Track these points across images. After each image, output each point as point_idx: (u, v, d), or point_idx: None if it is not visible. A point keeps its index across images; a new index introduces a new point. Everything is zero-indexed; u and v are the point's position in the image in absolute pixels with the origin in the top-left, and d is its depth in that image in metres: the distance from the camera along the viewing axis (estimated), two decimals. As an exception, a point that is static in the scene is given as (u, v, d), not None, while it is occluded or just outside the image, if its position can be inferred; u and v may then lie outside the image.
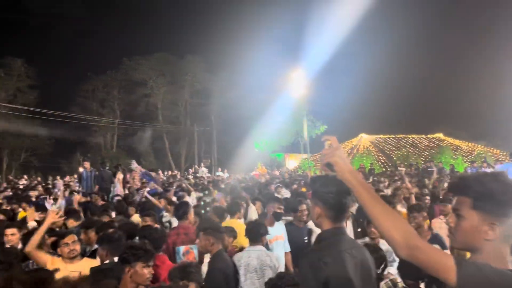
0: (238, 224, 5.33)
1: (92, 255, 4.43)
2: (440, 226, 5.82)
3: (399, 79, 44.27)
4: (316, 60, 28.67)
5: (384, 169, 27.20)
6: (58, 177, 21.12)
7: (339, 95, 34.05)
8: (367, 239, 4.85)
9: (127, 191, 11.09)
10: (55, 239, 4.25)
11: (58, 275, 2.15)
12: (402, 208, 6.71)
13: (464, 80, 42.15)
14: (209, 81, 42.24)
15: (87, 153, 35.04)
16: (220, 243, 3.80)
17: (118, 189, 11.07)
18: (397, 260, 4.70)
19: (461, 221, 1.54)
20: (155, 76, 42.32)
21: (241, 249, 4.47)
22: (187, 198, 8.61)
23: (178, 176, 22.28)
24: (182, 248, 4.97)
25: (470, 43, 45.86)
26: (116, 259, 3.50)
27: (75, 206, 7.61)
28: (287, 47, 36.41)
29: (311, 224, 5.18)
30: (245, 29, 35.92)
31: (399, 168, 17.66)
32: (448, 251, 4.08)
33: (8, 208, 8.44)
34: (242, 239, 4.73)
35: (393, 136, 38.64)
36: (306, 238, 5.15)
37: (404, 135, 38.71)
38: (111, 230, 4.22)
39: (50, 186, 15.42)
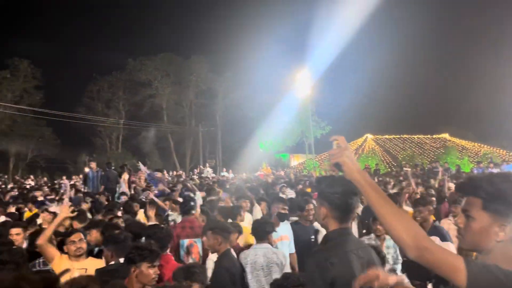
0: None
1: (98, 255, 4.45)
2: (448, 227, 5.80)
3: (404, 79, 44.15)
4: (321, 61, 28.62)
5: (389, 169, 27.10)
6: (64, 177, 21.25)
7: (344, 95, 34.06)
8: (372, 236, 4.84)
9: (132, 191, 11.13)
10: (61, 239, 4.27)
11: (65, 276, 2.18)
12: (406, 207, 6.69)
13: (470, 80, 41.96)
14: (214, 81, 42.32)
15: (93, 153, 35.28)
16: (228, 243, 3.80)
17: (124, 189, 11.12)
18: (401, 259, 4.70)
19: (470, 222, 1.52)
20: (160, 77, 42.44)
21: (247, 246, 4.48)
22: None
23: (183, 176, 22.33)
24: (186, 241, 4.98)
25: (476, 43, 45.66)
26: (122, 260, 3.51)
27: (83, 206, 7.65)
28: (292, 47, 36.41)
29: (317, 224, 5.17)
30: (250, 29, 35.97)
31: (404, 169, 17.61)
32: (448, 243, 4.08)
33: (14, 208, 8.48)
34: (245, 240, 4.74)
35: (399, 136, 38.50)
36: (312, 237, 5.13)
37: (409, 135, 38.56)
38: (117, 231, 4.23)
39: (56, 186, 15.51)
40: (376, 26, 33.93)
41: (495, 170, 15.35)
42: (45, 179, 24.40)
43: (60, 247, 4.21)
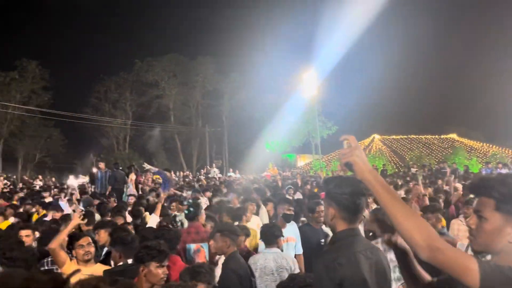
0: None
1: (107, 257, 4.46)
2: (458, 228, 5.75)
3: (412, 78, 43.91)
4: (328, 60, 28.53)
5: (396, 170, 26.97)
6: (70, 177, 21.33)
7: (351, 95, 33.89)
8: (379, 241, 4.79)
9: (140, 192, 11.19)
10: (70, 243, 4.29)
11: (74, 278, 2.18)
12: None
13: (479, 80, 41.63)
14: (220, 82, 42.37)
15: (100, 153, 35.48)
16: (236, 245, 3.80)
17: (131, 190, 11.19)
18: None
19: (483, 223, 1.51)
20: (167, 77, 42.56)
21: (254, 249, 4.47)
22: (201, 199, 8.64)
23: (190, 177, 22.41)
24: (193, 246, 4.99)
25: (485, 42, 45.25)
26: (130, 261, 3.52)
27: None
28: (298, 48, 36.29)
29: (327, 228, 5.13)
30: (256, 30, 36.01)
31: (412, 169, 17.52)
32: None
33: (22, 208, 8.54)
34: (251, 242, 4.73)
35: (406, 136, 38.31)
36: (322, 240, 5.10)
37: (417, 136, 38.35)
38: (124, 232, 4.25)
39: (65, 186, 15.61)
40: (383, 25, 33.75)
41: (503, 171, 15.21)
42: (53, 179, 24.57)
43: (68, 250, 4.24)
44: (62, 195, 11.56)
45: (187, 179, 19.39)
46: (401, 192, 8.81)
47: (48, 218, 7.17)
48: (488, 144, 33.39)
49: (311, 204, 5.51)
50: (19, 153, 37.13)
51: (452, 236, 5.50)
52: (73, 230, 4.34)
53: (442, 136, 38.11)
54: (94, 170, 13.32)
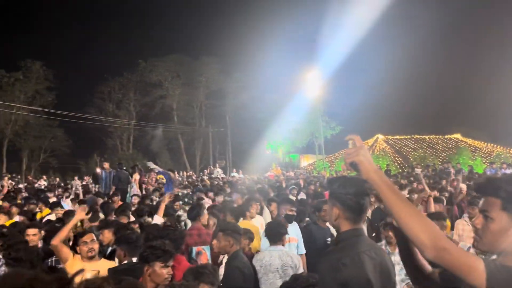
0: (250, 225, 5.32)
1: (111, 255, 4.48)
2: (463, 228, 5.72)
3: (415, 79, 43.73)
4: (331, 61, 28.50)
5: (400, 170, 26.89)
6: (75, 177, 21.44)
7: (354, 95, 33.81)
8: (383, 243, 4.77)
9: (144, 192, 11.21)
10: (74, 240, 4.31)
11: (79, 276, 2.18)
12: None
13: (483, 80, 41.38)
14: (223, 82, 42.42)
15: (104, 154, 35.61)
16: (239, 244, 3.80)
17: (135, 190, 11.21)
18: None
19: (489, 223, 1.50)
20: (170, 78, 42.68)
21: (256, 252, 4.47)
22: (205, 199, 8.64)
23: (194, 177, 22.44)
24: (195, 249, 4.99)
25: (489, 42, 45.02)
26: (134, 259, 3.52)
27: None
28: (301, 48, 36.34)
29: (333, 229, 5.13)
30: (259, 30, 35.97)
31: (415, 170, 17.45)
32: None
33: (26, 207, 8.57)
34: (253, 244, 4.73)
35: (410, 136, 38.21)
36: (328, 239, 5.10)
37: (421, 136, 38.23)
38: (129, 231, 4.26)
39: (69, 186, 15.68)
40: (386, 25, 33.64)
41: (508, 171, 15.15)
42: (58, 179, 24.67)
43: (72, 247, 4.26)
44: (65, 195, 11.61)
45: (190, 179, 19.42)
46: (405, 192, 8.79)
47: (52, 217, 7.20)
48: (492, 144, 33.24)
49: (317, 203, 5.51)
50: (24, 153, 37.36)
51: (455, 238, 5.48)
52: (77, 226, 4.35)
53: (446, 136, 37.99)
54: (98, 170, 13.34)
